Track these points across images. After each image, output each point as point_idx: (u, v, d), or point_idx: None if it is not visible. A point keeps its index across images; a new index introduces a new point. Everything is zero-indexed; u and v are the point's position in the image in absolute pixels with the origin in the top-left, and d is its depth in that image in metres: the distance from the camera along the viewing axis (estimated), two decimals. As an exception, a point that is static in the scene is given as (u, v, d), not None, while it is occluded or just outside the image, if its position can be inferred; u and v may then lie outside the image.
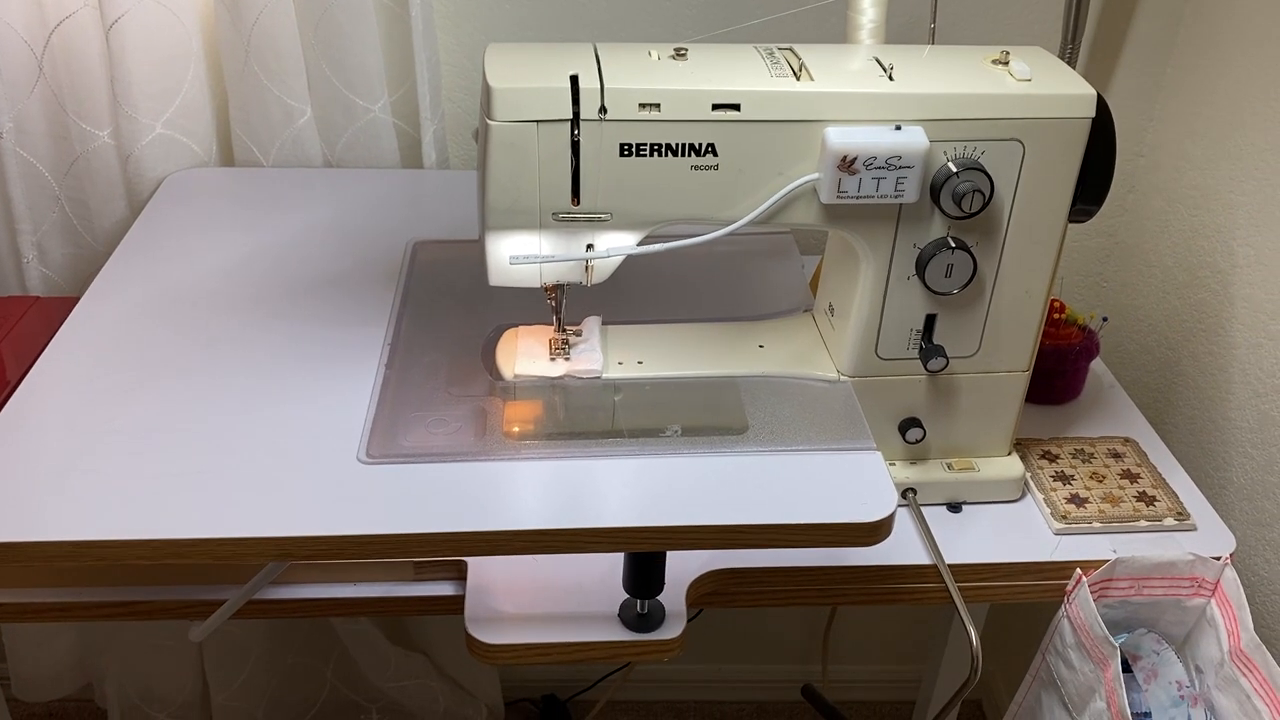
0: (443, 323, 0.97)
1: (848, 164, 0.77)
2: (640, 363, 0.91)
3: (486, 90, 0.76)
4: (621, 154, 0.78)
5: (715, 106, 0.77)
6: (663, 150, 0.78)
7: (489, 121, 0.76)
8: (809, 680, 1.71)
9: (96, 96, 1.13)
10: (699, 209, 0.81)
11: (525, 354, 0.90)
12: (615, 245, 0.83)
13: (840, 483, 0.79)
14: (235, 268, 1.04)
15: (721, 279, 1.04)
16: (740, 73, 0.79)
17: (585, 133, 0.77)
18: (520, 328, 0.94)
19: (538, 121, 0.76)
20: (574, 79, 0.76)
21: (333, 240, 1.09)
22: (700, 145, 0.78)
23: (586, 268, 0.84)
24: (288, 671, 1.52)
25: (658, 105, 0.77)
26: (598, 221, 0.81)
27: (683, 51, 0.80)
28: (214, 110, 1.20)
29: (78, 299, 1.01)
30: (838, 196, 0.79)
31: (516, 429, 0.84)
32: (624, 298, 0.98)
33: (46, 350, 0.91)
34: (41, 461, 0.79)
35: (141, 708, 1.51)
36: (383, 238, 1.10)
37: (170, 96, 1.15)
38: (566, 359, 0.90)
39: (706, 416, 0.87)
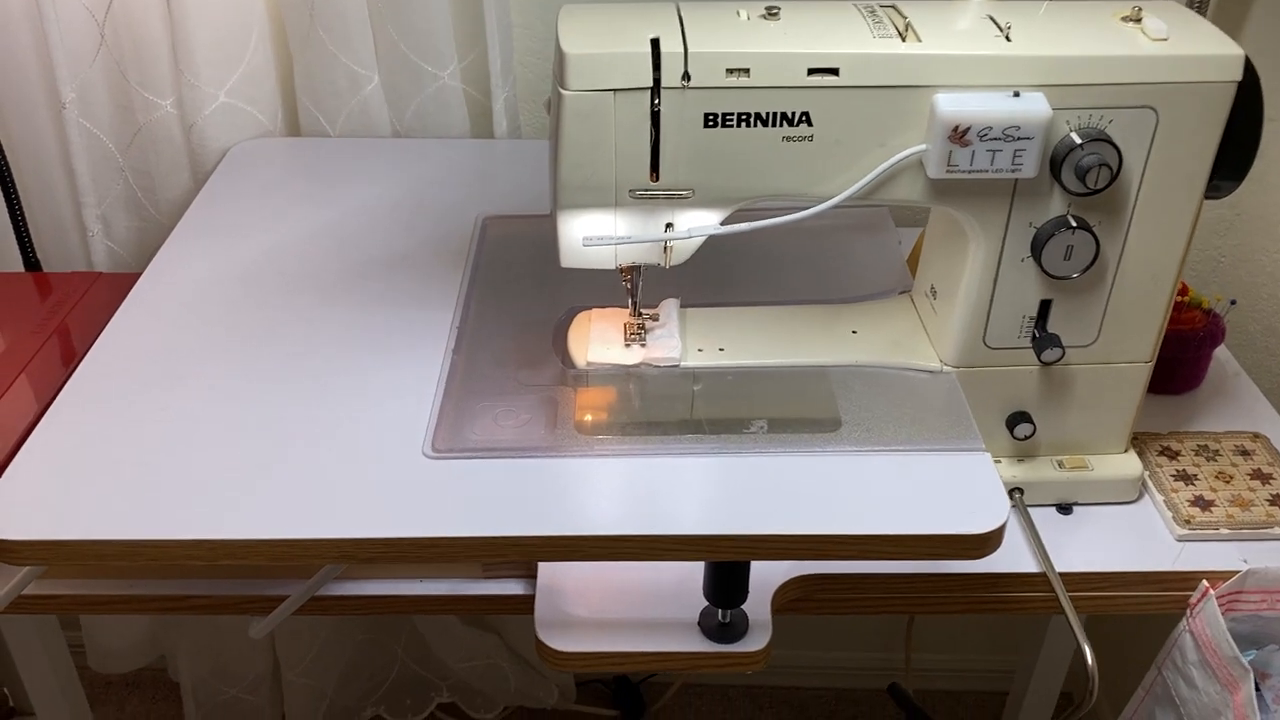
0: (512, 304, 0.91)
1: (959, 135, 0.69)
2: (721, 350, 0.84)
3: (560, 56, 0.70)
4: (706, 124, 0.71)
5: (811, 71, 0.70)
6: (751, 120, 0.71)
7: (562, 90, 0.70)
8: (890, 667, 1.65)
9: (159, 64, 1.09)
10: (790, 184, 0.74)
11: (598, 340, 0.84)
12: (697, 224, 0.76)
13: (945, 488, 0.72)
14: (298, 244, 0.99)
15: (810, 257, 0.97)
16: (839, 33, 0.71)
17: (667, 102, 0.70)
18: (593, 311, 0.88)
19: (615, 90, 0.70)
20: (655, 43, 0.69)
21: (400, 215, 1.04)
22: (793, 114, 0.71)
23: (665, 249, 0.77)
24: (358, 648, 1.50)
25: (747, 70, 0.70)
26: (678, 199, 0.75)
27: (775, 11, 0.73)
28: (279, 78, 1.16)
29: (139, 275, 0.98)
30: (947, 171, 0.71)
31: (589, 422, 0.78)
32: (704, 278, 0.91)
33: (103, 334, 0.88)
34: (95, 454, 0.75)
35: (213, 682, 1.50)
36: (451, 212, 1.04)
37: (233, 64, 1.11)
38: (642, 345, 0.84)
39: (795, 410, 0.80)
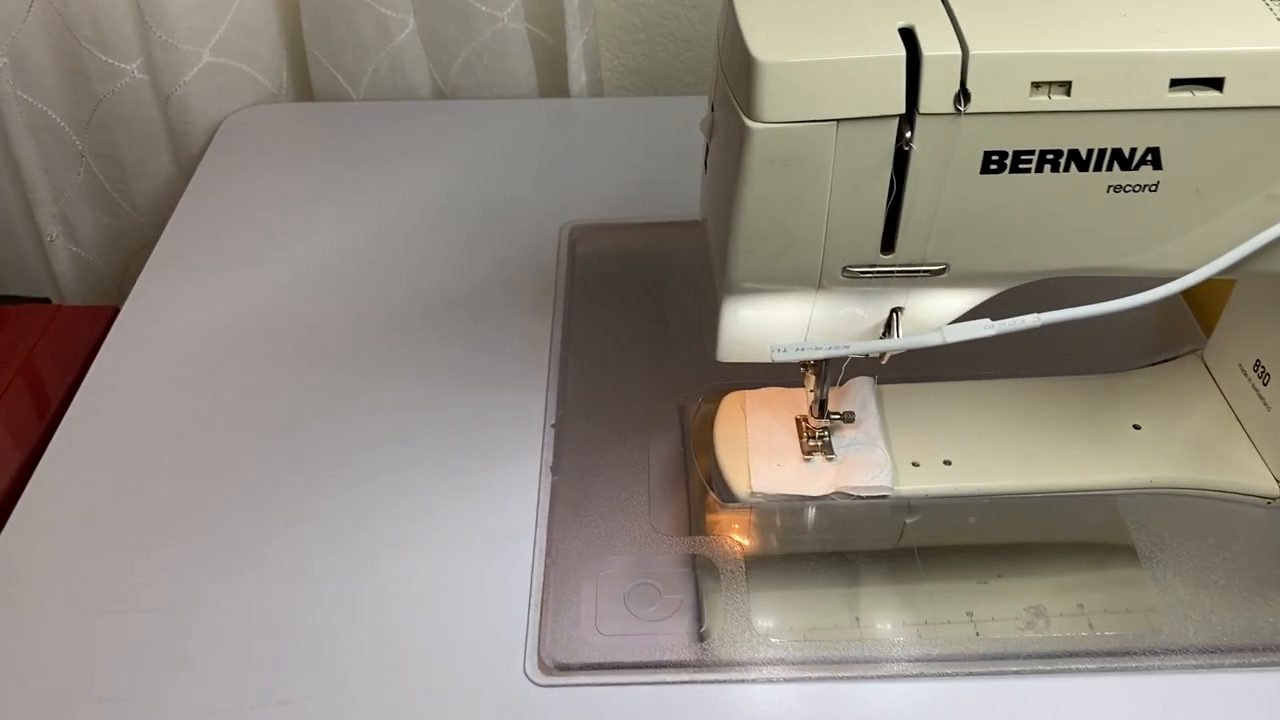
0: (625, 375, 0.64)
1: None
2: (948, 463, 0.57)
3: (742, 59, 0.41)
4: (986, 169, 0.43)
5: (1176, 84, 0.41)
6: (1062, 162, 0.43)
7: (747, 121, 0.42)
8: None
9: (116, 17, 0.80)
10: (1106, 254, 0.46)
11: (762, 449, 0.58)
12: (945, 313, 0.49)
13: (1351, 740, 0.46)
14: (313, 274, 0.72)
15: (1049, 299, 0.69)
16: (1219, 18, 0.42)
17: (926, 136, 0.42)
18: (746, 394, 0.61)
19: (839, 120, 0.41)
20: (909, 37, 0.41)
21: (451, 221, 0.76)
22: (1132, 152, 0.43)
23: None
24: None
25: (1066, 85, 0.41)
26: (921, 275, 0.47)
27: None
28: (282, 26, 0.87)
29: (110, 310, 0.73)
30: (1392, 245, 0.43)
31: (767, 604, 0.52)
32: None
33: (52, 444, 0.61)
34: (15, 686, 0.50)
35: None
36: (523, 215, 0.77)
37: (219, 10, 0.81)
38: (830, 458, 0.57)
39: (1078, 577, 0.54)
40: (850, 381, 0.60)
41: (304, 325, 0.68)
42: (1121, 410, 0.59)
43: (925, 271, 0.47)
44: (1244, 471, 0.56)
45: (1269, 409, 0.56)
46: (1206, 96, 0.41)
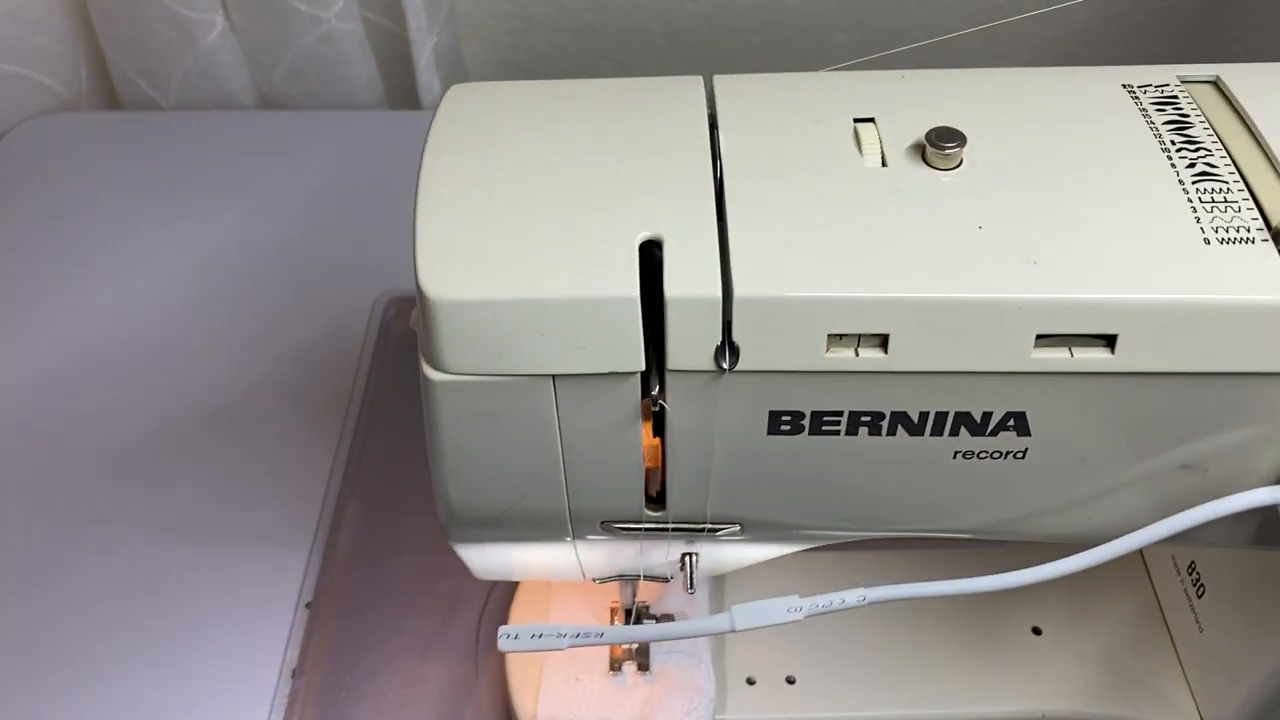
0: (425, 524, 0.52)
1: None
2: (791, 681, 0.45)
3: (418, 288, 0.28)
4: (776, 429, 0.30)
5: (1043, 340, 0.28)
6: (885, 425, 0.30)
7: (428, 371, 0.29)
8: None
9: None
10: (958, 521, 0.34)
11: (560, 662, 0.46)
12: (753, 559, 0.36)
13: None
14: (60, 367, 0.59)
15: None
16: (1123, 235, 0.28)
17: (682, 394, 0.29)
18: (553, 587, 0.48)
19: (554, 376, 0.28)
20: (652, 258, 0.27)
21: (244, 286, 0.63)
22: (987, 417, 0.30)
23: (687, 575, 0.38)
24: None
25: (881, 339, 0.28)
26: (706, 533, 0.34)
27: (948, 144, 0.29)
28: (73, 16, 0.72)
29: None
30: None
31: None
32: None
33: None
34: None
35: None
36: (332, 277, 0.64)
37: (-22, 8, 0.67)
38: (643, 671, 0.45)
39: None
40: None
41: (31, 440, 0.55)
42: (1019, 604, 0.47)
43: (711, 530, 0.34)
44: (1164, 705, 0.44)
45: (1201, 630, 0.44)
46: (1091, 359, 0.28)
